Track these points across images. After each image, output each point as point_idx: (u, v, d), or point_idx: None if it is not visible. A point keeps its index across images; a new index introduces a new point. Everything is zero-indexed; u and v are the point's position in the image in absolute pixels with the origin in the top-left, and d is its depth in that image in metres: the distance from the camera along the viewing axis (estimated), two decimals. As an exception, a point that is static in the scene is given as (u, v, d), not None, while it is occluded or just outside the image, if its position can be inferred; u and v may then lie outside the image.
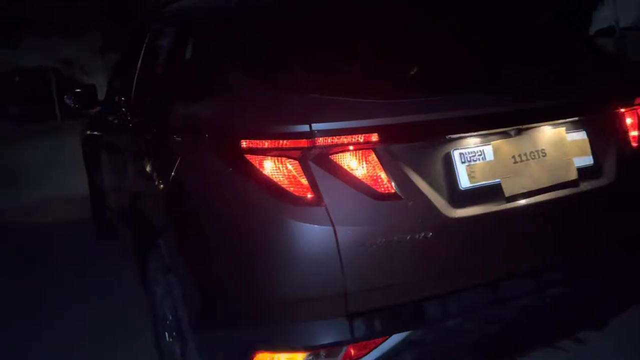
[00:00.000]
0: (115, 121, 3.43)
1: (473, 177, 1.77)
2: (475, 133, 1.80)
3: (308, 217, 1.63)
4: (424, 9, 2.09)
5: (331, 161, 1.65)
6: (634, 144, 2.13)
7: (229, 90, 1.89)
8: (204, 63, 2.11)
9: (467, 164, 1.78)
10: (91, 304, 3.61)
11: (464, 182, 1.77)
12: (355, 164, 1.67)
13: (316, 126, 1.62)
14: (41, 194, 7.49)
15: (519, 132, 1.86)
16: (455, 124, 1.75)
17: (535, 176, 1.87)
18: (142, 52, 3.12)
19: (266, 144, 1.67)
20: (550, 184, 1.89)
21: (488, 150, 1.81)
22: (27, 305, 3.72)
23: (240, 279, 1.72)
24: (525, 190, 1.84)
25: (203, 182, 1.86)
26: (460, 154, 1.78)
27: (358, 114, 1.65)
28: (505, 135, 1.85)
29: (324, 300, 1.65)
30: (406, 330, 1.72)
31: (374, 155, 1.67)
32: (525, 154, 1.86)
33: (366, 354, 1.71)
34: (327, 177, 1.64)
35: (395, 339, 1.71)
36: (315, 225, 1.62)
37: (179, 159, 2.00)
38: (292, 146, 1.65)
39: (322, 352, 1.68)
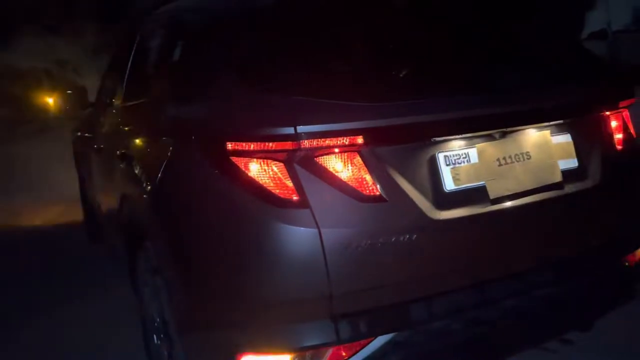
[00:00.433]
0: (105, 123, 3.43)
1: (458, 180, 1.78)
2: (460, 136, 1.81)
3: (293, 219, 1.63)
4: (409, 12, 2.10)
5: (316, 163, 1.66)
6: (619, 147, 2.15)
7: (216, 92, 1.89)
8: (191, 65, 2.11)
9: (451, 166, 1.79)
10: (81, 305, 3.61)
11: (449, 184, 1.77)
12: (341, 167, 1.68)
13: (301, 128, 1.63)
14: (33, 195, 7.47)
15: (504, 134, 1.87)
16: (440, 126, 1.76)
17: (519, 179, 1.88)
18: (132, 53, 3.13)
19: (251, 146, 1.68)
20: (535, 187, 1.90)
21: (473, 152, 1.82)
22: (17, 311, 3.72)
23: (226, 281, 1.73)
24: (510, 193, 1.85)
25: (189, 184, 1.86)
26: (445, 156, 1.78)
27: (343, 117, 1.65)
28: (490, 138, 1.86)
29: (310, 302, 1.65)
30: (392, 332, 1.73)
31: (359, 157, 1.68)
32: (510, 157, 1.87)
33: (352, 356, 1.71)
34: (313, 180, 1.65)
35: (381, 340, 1.72)
36: (301, 228, 1.63)
37: (166, 160, 2.00)
38: (277, 148, 1.65)
39: (308, 354, 1.69)
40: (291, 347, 1.68)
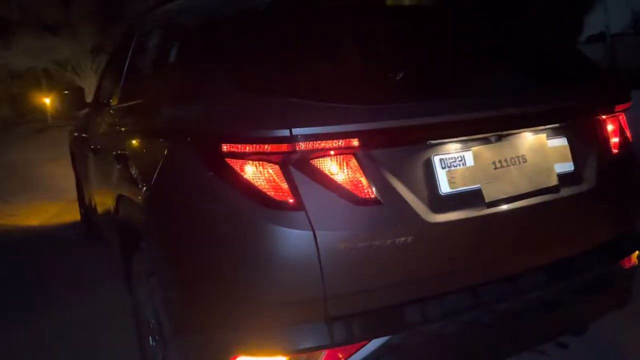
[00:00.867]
0: (102, 123, 3.42)
1: (453, 183, 1.78)
2: (456, 139, 1.80)
3: (288, 221, 1.63)
4: (406, 16, 2.10)
5: (312, 166, 1.65)
6: (615, 150, 2.15)
7: (211, 93, 1.89)
8: (187, 66, 2.11)
9: (447, 169, 1.78)
10: (75, 305, 3.60)
11: (444, 187, 1.77)
12: (336, 169, 1.67)
13: (297, 131, 1.62)
14: (30, 195, 7.46)
15: (500, 138, 1.87)
16: (435, 129, 1.76)
17: (515, 182, 1.88)
18: (129, 54, 3.13)
19: (247, 148, 1.67)
20: (530, 190, 1.90)
21: (468, 156, 1.82)
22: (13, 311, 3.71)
23: (221, 282, 1.72)
24: (505, 196, 1.85)
25: (184, 185, 1.86)
26: (441, 159, 1.78)
27: (339, 119, 1.65)
28: (486, 141, 1.85)
29: (304, 304, 1.65)
30: (386, 335, 1.72)
31: (354, 160, 1.68)
32: (506, 160, 1.87)
33: (347, 358, 1.71)
34: (308, 182, 1.64)
35: (375, 343, 1.72)
36: (296, 230, 1.62)
37: (162, 161, 2.00)
38: (272, 150, 1.65)
39: (302, 357, 1.68)
40: (286, 349, 1.68)
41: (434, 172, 1.77)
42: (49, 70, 16.22)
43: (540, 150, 1.94)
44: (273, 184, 1.66)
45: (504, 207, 1.85)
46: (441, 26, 2.13)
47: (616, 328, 2.58)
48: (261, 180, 1.66)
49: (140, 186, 2.20)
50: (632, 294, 2.22)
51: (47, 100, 15.57)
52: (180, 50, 2.25)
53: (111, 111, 3.17)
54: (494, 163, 1.85)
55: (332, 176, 1.66)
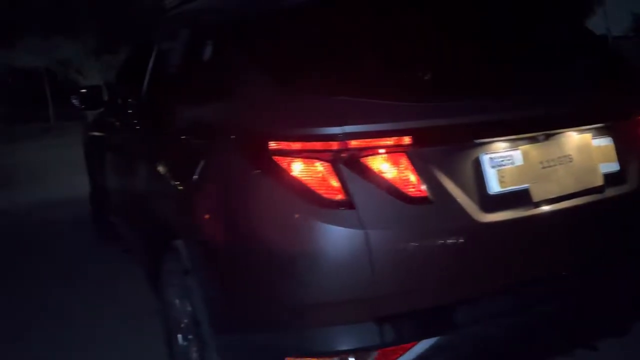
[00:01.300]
0: (124, 123, 3.39)
1: (503, 182, 1.76)
2: (505, 137, 1.79)
3: (338, 219, 1.61)
4: (452, 14, 2.07)
5: (362, 164, 1.64)
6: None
7: (256, 92, 1.87)
8: (227, 66, 2.08)
9: (496, 168, 1.76)
10: (94, 304, 3.58)
11: (494, 186, 1.75)
12: (387, 167, 1.65)
13: (348, 128, 1.61)
14: (35, 195, 7.43)
15: (547, 137, 1.86)
16: (486, 127, 1.75)
17: (562, 182, 1.86)
18: (154, 54, 3.09)
19: (296, 145, 1.66)
20: (576, 190, 1.88)
21: (517, 155, 1.80)
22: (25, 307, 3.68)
23: (268, 283, 1.70)
24: (552, 196, 1.83)
25: (229, 184, 1.83)
26: (490, 158, 1.76)
27: (390, 117, 1.64)
28: (534, 140, 1.84)
29: (354, 304, 1.64)
30: (435, 335, 1.70)
31: (405, 158, 1.66)
32: (553, 159, 1.86)
33: (396, 359, 1.69)
34: (358, 180, 1.63)
35: (424, 344, 1.70)
36: (346, 228, 1.60)
37: (202, 160, 1.97)
38: (322, 148, 1.63)
39: (352, 357, 1.66)
40: (335, 350, 1.66)
41: (483, 171, 1.75)
42: (53, 69, 16.17)
43: (585, 150, 1.93)
44: (323, 181, 1.64)
45: (551, 207, 1.83)
46: (490, 24, 2.11)
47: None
48: (310, 178, 1.64)
49: (177, 185, 2.17)
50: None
51: (50, 100, 15.58)
52: (218, 49, 2.21)
53: (135, 111, 3.14)
54: (541, 162, 1.84)
55: (382, 174, 1.65)
